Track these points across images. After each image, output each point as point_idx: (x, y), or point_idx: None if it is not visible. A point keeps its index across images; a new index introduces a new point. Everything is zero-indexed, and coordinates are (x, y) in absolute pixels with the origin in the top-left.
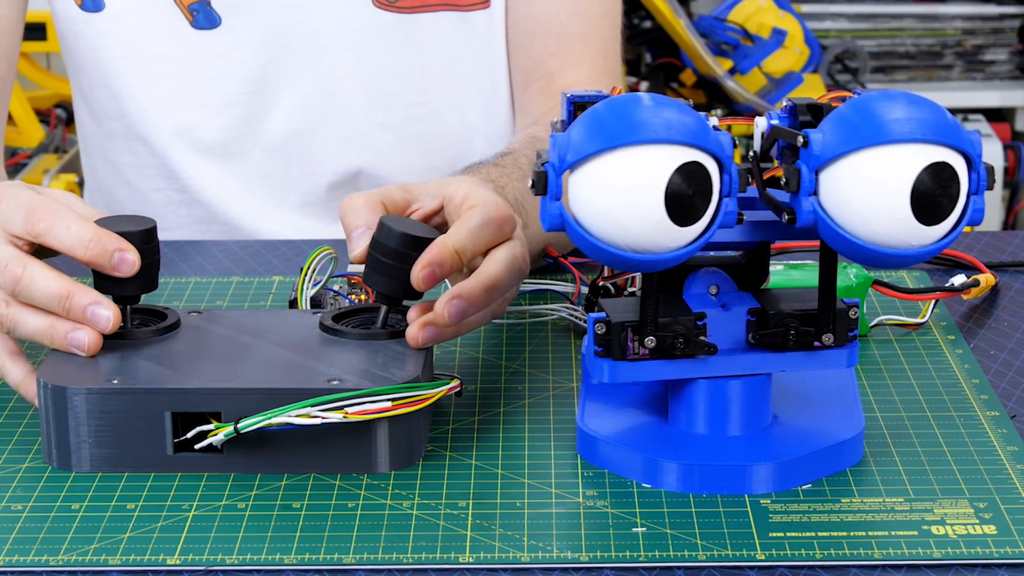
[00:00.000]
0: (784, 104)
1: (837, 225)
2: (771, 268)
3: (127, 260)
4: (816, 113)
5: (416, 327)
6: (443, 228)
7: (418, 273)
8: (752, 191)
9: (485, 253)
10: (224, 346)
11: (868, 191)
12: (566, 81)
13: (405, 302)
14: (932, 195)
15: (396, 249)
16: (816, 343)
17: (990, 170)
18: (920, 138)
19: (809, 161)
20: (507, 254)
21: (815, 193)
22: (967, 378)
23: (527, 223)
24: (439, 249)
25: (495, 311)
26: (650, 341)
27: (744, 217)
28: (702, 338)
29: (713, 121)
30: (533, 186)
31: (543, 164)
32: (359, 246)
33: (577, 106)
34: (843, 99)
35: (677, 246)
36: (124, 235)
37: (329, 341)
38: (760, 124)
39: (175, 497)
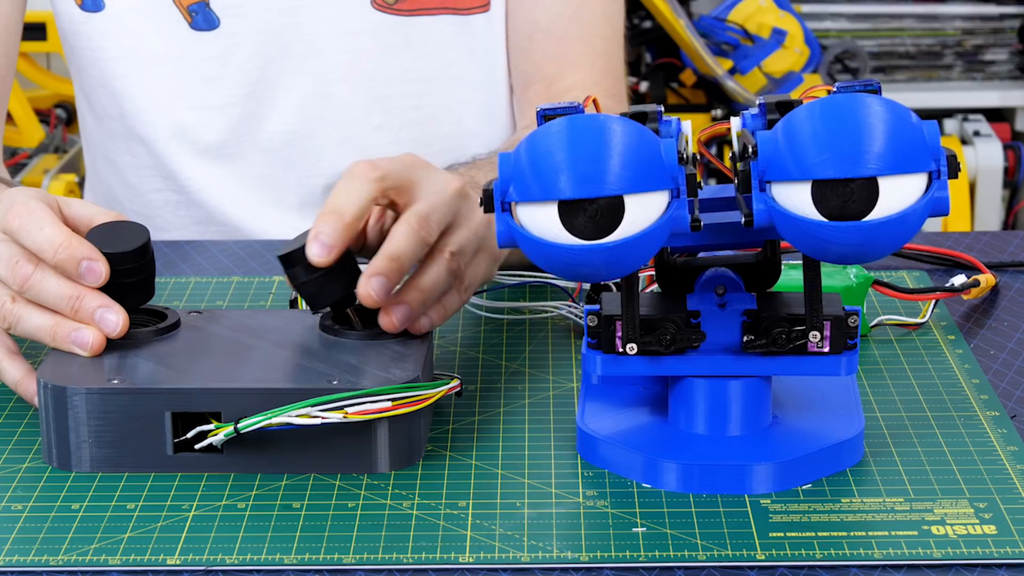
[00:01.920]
0: (758, 101)
1: (792, 218)
2: None
3: (94, 270)
4: (786, 111)
5: (385, 316)
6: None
7: (364, 289)
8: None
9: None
10: (224, 346)
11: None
12: (566, 84)
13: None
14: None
15: (304, 259)
16: (811, 346)
17: (951, 158)
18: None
19: (758, 167)
20: (402, 224)
21: (767, 192)
22: (967, 378)
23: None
24: (318, 219)
25: (451, 267)
26: (632, 348)
27: (701, 224)
28: (697, 335)
29: (681, 126)
30: (482, 204)
31: (490, 183)
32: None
33: (547, 119)
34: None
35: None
36: (117, 254)
37: (329, 341)
38: (735, 124)
39: (175, 497)
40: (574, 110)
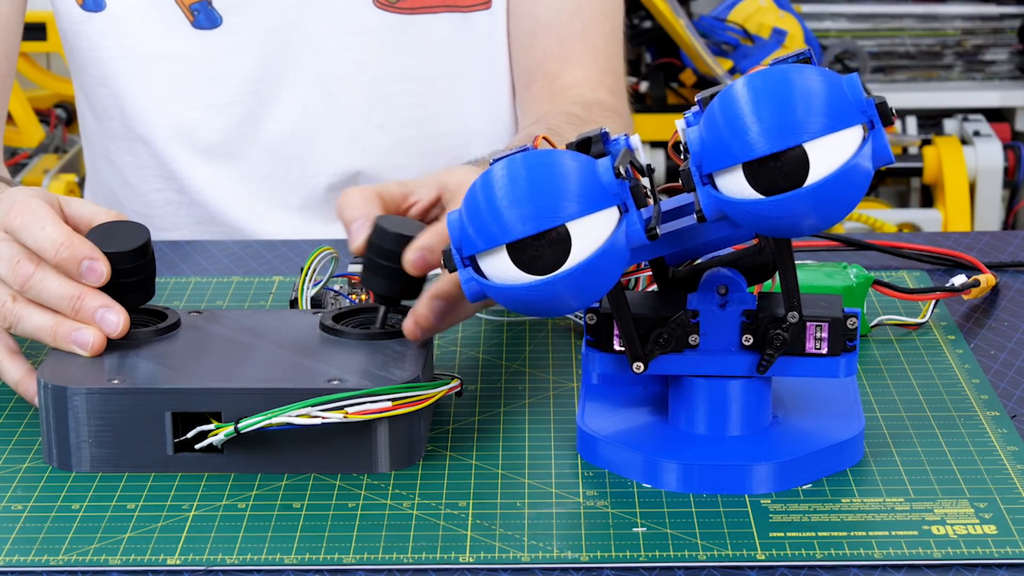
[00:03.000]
0: (696, 98)
1: (735, 204)
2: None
3: (95, 270)
4: None
5: (411, 323)
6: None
7: (409, 256)
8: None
9: None
10: (224, 346)
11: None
12: (567, 80)
13: (404, 302)
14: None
15: (390, 250)
16: (809, 344)
17: (881, 104)
18: (765, 152)
19: (695, 163)
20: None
21: (710, 184)
22: (967, 378)
23: None
24: (431, 235)
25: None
26: (638, 367)
27: (658, 232)
28: (694, 336)
29: (630, 141)
30: (444, 265)
31: (449, 247)
32: (359, 237)
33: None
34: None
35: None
36: (117, 254)
37: (329, 341)
38: (680, 125)
39: (175, 497)
40: (523, 151)
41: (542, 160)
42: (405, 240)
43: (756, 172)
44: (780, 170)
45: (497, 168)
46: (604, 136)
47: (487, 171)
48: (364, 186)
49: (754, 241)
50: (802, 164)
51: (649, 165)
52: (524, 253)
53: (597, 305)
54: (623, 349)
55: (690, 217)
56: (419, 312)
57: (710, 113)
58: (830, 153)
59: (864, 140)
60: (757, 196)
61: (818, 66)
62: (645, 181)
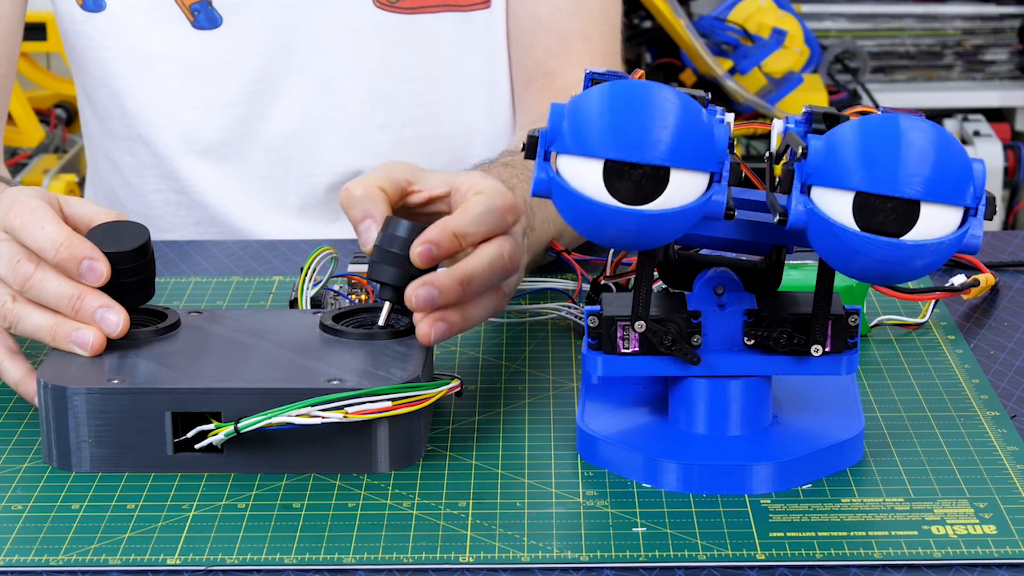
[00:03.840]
0: (804, 109)
1: (828, 224)
2: None
3: (95, 270)
4: (832, 123)
5: (426, 326)
6: (435, 215)
7: (415, 249)
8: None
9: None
10: (224, 346)
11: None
12: (567, 80)
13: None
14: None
15: (405, 239)
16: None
17: (991, 200)
18: (885, 192)
19: (804, 169)
20: (494, 250)
21: (808, 194)
22: (967, 378)
23: (533, 225)
24: (439, 230)
25: (497, 306)
26: (640, 325)
27: (735, 214)
28: (696, 337)
29: (724, 117)
30: (524, 149)
31: (536, 130)
32: (366, 237)
33: (595, 83)
34: (864, 112)
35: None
36: (117, 254)
37: (329, 341)
38: (777, 127)
39: (175, 497)
40: (621, 78)
41: (681, 100)
42: (419, 229)
43: (866, 206)
44: (890, 214)
45: (627, 86)
46: (706, 101)
47: (616, 83)
48: (366, 176)
49: (760, 258)
50: (911, 218)
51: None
52: (619, 176)
53: (599, 308)
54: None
55: (754, 214)
56: (407, 293)
57: (842, 134)
58: (936, 221)
59: (967, 222)
60: (853, 227)
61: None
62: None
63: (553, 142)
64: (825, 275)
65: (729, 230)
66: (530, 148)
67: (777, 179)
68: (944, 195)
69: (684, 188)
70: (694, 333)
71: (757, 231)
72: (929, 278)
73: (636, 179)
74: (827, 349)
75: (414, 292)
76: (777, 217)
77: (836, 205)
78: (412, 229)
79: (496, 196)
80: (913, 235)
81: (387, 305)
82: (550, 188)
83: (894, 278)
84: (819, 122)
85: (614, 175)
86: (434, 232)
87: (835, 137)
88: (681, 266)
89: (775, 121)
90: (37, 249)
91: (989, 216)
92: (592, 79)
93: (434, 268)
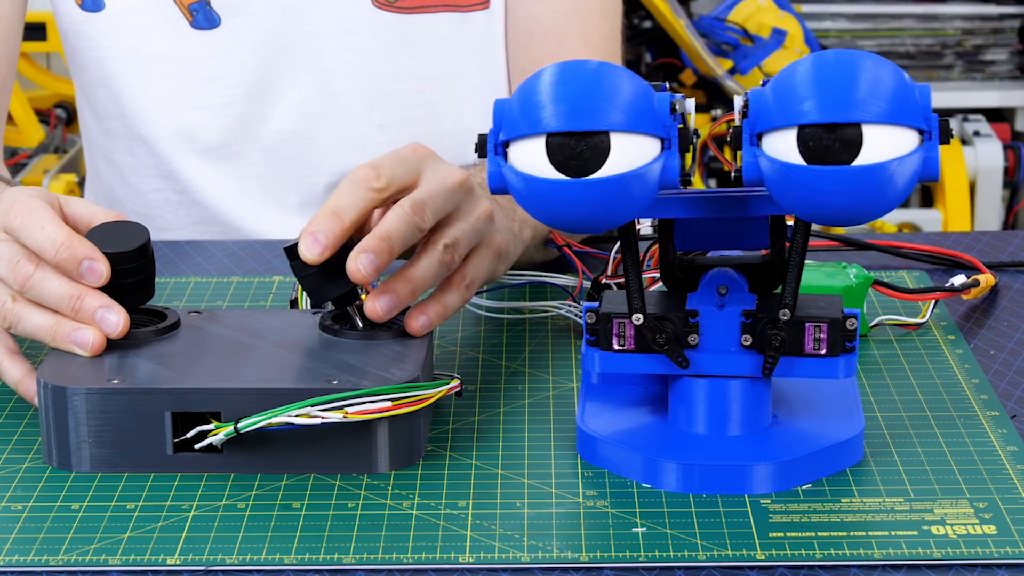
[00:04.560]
0: (761, 82)
1: (778, 165)
2: None
3: (95, 270)
4: None
5: (370, 302)
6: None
7: (300, 245)
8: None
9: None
10: (224, 346)
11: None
12: None
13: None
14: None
15: (304, 257)
16: (808, 349)
17: (944, 124)
18: (823, 120)
19: (750, 123)
20: (396, 208)
21: (757, 145)
22: (967, 378)
23: (525, 219)
24: (318, 218)
25: (443, 260)
26: (637, 318)
27: (691, 180)
28: (693, 336)
29: (686, 101)
30: (476, 150)
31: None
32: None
33: None
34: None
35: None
36: (117, 254)
37: (329, 341)
38: (738, 102)
39: (175, 497)
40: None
41: (607, 69)
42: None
43: (808, 138)
44: (832, 142)
45: (554, 66)
46: (662, 87)
47: (551, 66)
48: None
49: (763, 252)
50: (855, 143)
51: (696, 130)
52: (561, 150)
53: (597, 305)
54: (620, 347)
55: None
56: (349, 267)
57: (777, 77)
58: (884, 143)
59: (919, 147)
60: (801, 163)
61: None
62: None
63: (499, 131)
64: (801, 226)
65: (699, 208)
66: (480, 147)
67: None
68: (884, 115)
69: (629, 153)
70: (691, 332)
71: (729, 206)
72: (929, 278)
73: (578, 150)
74: (822, 351)
75: (356, 263)
76: (733, 175)
77: (783, 146)
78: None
79: (355, 171)
80: (862, 159)
81: (351, 308)
82: (503, 179)
83: (860, 212)
84: None
85: (556, 150)
86: (313, 222)
87: (773, 82)
88: (684, 269)
89: (735, 98)
90: (37, 249)
91: (944, 139)
92: None
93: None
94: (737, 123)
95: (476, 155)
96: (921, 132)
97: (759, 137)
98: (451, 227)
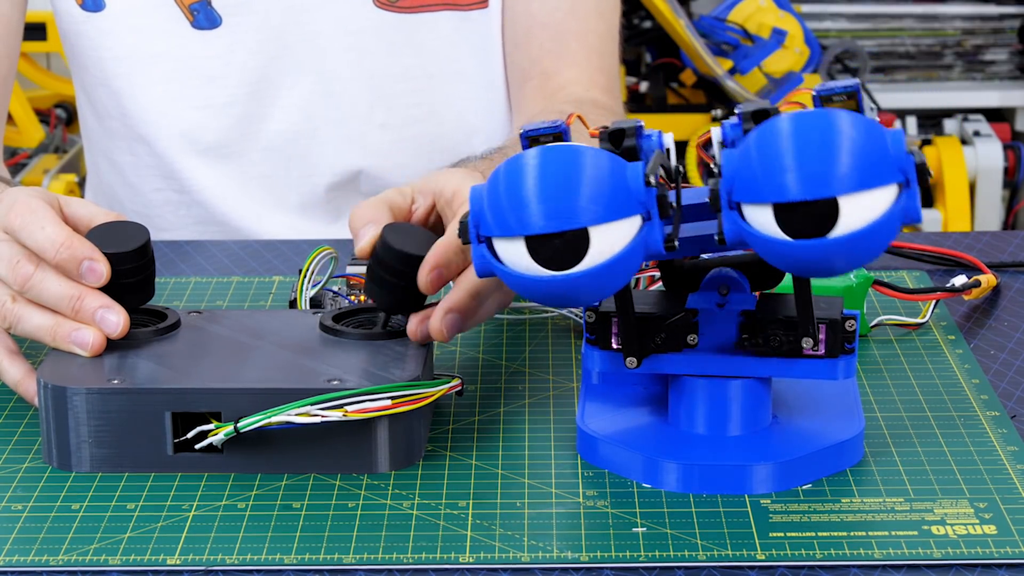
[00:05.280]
0: (736, 110)
1: (758, 237)
2: None
3: (95, 270)
4: (761, 119)
5: (414, 326)
6: (437, 225)
7: (425, 277)
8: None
9: None
10: (224, 346)
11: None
12: (562, 80)
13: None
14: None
15: (395, 267)
16: (806, 351)
17: (920, 165)
18: (800, 197)
19: (724, 185)
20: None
21: (735, 210)
22: (967, 378)
23: None
24: (443, 250)
25: (503, 301)
26: (631, 362)
27: (676, 244)
28: (692, 336)
29: (662, 139)
30: (460, 234)
31: (466, 215)
32: (363, 240)
33: (531, 141)
34: (800, 103)
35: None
36: (117, 254)
37: (329, 341)
38: (715, 135)
39: (175, 497)
40: (555, 129)
41: (573, 157)
42: (411, 259)
43: (785, 214)
44: (809, 217)
45: (527, 158)
46: (638, 130)
47: (515, 158)
48: (371, 198)
49: None
50: (832, 215)
51: (678, 168)
52: (542, 248)
53: (596, 303)
54: (619, 347)
55: (710, 224)
56: (434, 327)
57: (749, 143)
58: (862, 208)
59: (897, 198)
60: (783, 237)
61: (865, 115)
62: (671, 193)
63: (480, 226)
64: (800, 280)
65: (690, 250)
66: (462, 233)
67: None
68: (857, 182)
69: (609, 240)
70: (691, 332)
71: (714, 246)
72: (929, 278)
73: (559, 248)
74: (818, 346)
75: (441, 323)
76: (716, 237)
77: (760, 217)
78: (404, 259)
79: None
80: (841, 229)
81: (383, 315)
82: (490, 268)
83: (846, 268)
84: (748, 122)
85: (536, 249)
86: (439, 254)
87: (743, 150)
88: (686, 273)
89: (712, 129)
90: (37, 249)
91: (922, 181)
92: (528, 139)
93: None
94: (716, 155)
95: (459, 239)
96: (899, 183)
97: (738, 204)
98: None
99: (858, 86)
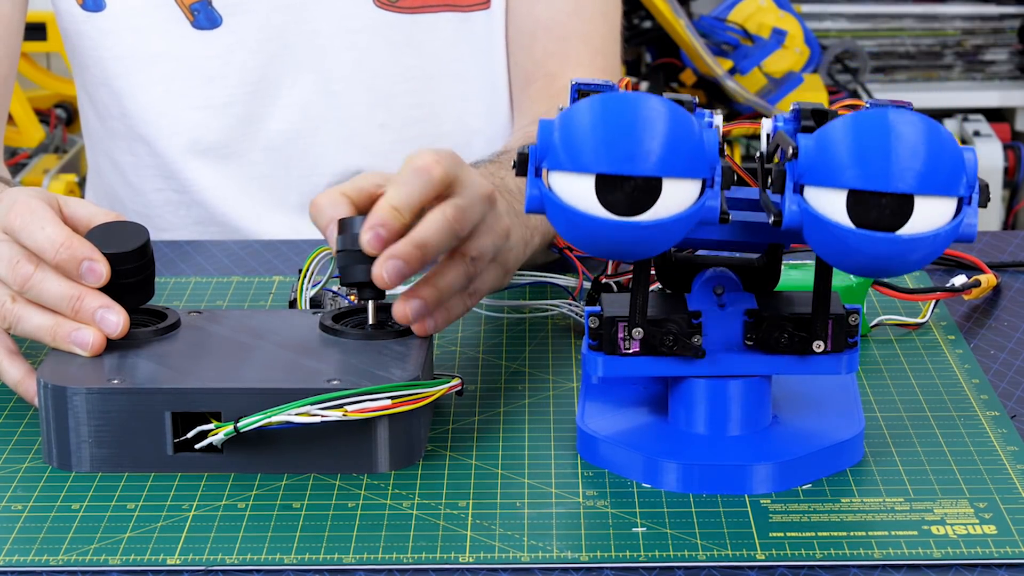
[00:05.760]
0: (792, 107)
1: (823, 223)
2: None
3: (95, 270)
4: (820, 120)
5: (400, 307)
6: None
7: (363, 237)
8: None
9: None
10: (224, 346)
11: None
12: (566, 81)
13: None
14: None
15: (357, 235)
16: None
17: (984, 187)
18: (877, 188)
19: (795, 169)
20: (437, 213)
21: (801, 194)
22: (967, 378)
23: (537, 226)
24: (378, 209)
25: (467, 271)
26: (638, 332)
27: (730, 217)
28: (696, 337)
29: (713, 120)
30: (515, 167)
31: (526, 147)
32: (332, 239)
33: (581, 94)
34: (853, 107)
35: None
36: (117, 254)
37: (329, 341)
38: (766, 126)
39: (175, 497)
40: (609, 88)
41: (669, 109)
42: (355, 238)
43: (859, 203)
44: (884, 210)
45: (611, 99)
46: (694, 105)
47: (598, 97)
48: (333, 187)
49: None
50: (905, 212)
51: (724, 146)
52: (613, 190)
53: (599, 308)
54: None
55: (749, 214)
56: (375, 272)
57: (834, 130)
58: (931, 213)
59: (961, 212)
60: (848, 224)
61: (947, 131)
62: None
63: (544, 158)
64: (823, 272)
65: (725, 232)
66: (520, 165)
67: (770, 179)
68: (937, 187)
69: (677, 197)
70: (695, 333)
71: (753, 231)
72: (929, 278)
73: (629, 191)
74: (828, 348)
75: (381, 268)
76: (772, 218)
77: (829, 203)
78: (352, 239)
79: (416, 159)
80: (908, 229)
81: (371, 304)
82: (543, 204)
83: (891, 271)
84: (808, 119)
85: (606, 188)
86: (376, 215)
87: (825, 135)
88: (679, 268)
89: (764, 120)
90: (37, 250)
91: (983, 204)
92: (579, 91)
93: None
94: (763, 148)
95: (514, 173)
96: (962, 198)
97: (801, 185)
98: (477, 239)
99: (911, 106)
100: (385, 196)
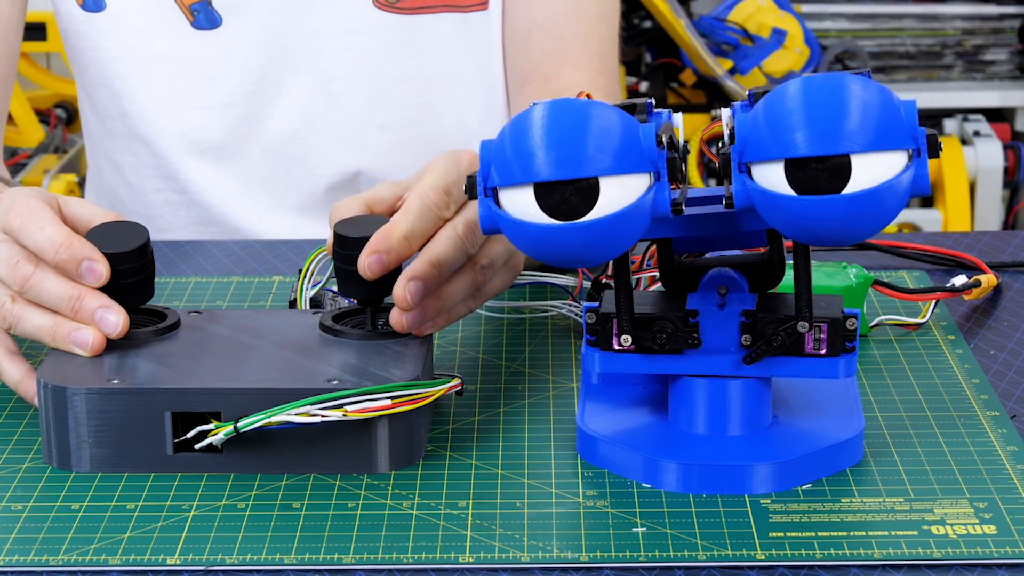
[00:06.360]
0: (747, 92)
1: (767, 196)
2: None
3: (95, 270)
4: None
5: (397, 315)
6: None
7: (363, 260)
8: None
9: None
10: (224, 346)
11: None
12: (563, 82)
13: (387, 300)
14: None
15: (351, 255)
16: (807, 344)
17: (931, 137)
18: (812, 153)
19: (737, 150)
20: (449, 230)
21: (746, 173)
22: (967, 378)
23: None
24: (383, 236)
25: (474, 280)
26: (626, 340)
27: (683, 208)
28: (694, 335)
29: (672, 118)
30: (467, 191)
31: (475, 172)
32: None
33: None
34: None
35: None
36: (117, 254)
37: (329, 341)
38: (725, 115)
39: (175, 497)
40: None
41: (587, 109)
42: (359, 242)
43: (796, 170)
44: (821, 173)
45: (540, 109)
46: (648, 107)
47: (529, 110)
48: (356, 196)
49: (762, 250)
50: (843, 173)
51: (685, 145)
52: (551, 196)
53: (597, 304)
54: (620, 347)
55: (716, 205)
56: (397, 294)
57: (764, 104)
58: (873, 169)
59: (908, 166)
60: (791, 193)
61: (882, 85)
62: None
63: (486, 179)
64: (800, 249)
65: (694, 227)
66: (469, 189)
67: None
68: (872, 143)
69: (618, 194)
70: (692, 332)
71: (721, 223)
72: (929, 278)
73: (566, 195)
74: (822, 351)
75: (403, 291)
76: (724, 202)
77: (772, 176)
78: (356, 244)
79: (429, 194)
80: (851, 187)
81: (369, 310)
82: (495, 222)
83: (850, 234)
84: (758, 102)
85: (544, 196)
86: (379, 239)
87: (755, 113)
88: (685, 271)
89: (722, 111)
90: (37, 250)
91: (933, 153)
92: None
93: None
94: (725, 138)
95: (467, 196)
96: (909, 151)
97: (748, 166)
98: (489, 247)
99: (868, 73)
100: (396, 223)
